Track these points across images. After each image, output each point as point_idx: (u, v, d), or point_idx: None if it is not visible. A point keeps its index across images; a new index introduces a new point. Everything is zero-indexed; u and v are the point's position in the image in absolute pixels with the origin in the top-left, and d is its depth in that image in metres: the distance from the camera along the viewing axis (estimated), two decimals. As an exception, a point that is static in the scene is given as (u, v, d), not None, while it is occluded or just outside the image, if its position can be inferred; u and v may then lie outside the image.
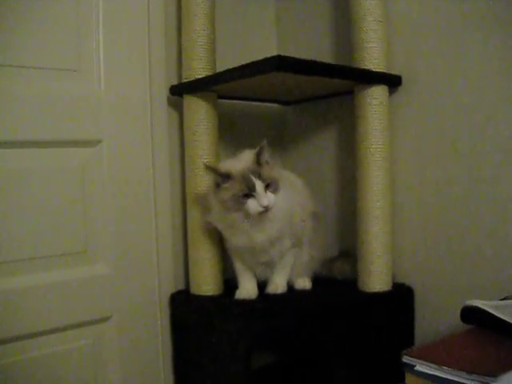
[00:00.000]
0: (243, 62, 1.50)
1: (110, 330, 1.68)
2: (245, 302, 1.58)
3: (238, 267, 1.63)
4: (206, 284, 1.69)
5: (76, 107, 1.59)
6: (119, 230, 1.68)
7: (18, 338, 1.50)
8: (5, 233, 1.47)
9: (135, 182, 1.72)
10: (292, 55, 1.48)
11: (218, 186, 1.48)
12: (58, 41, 1.56)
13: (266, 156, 1.48)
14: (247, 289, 1.62)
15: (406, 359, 1.17)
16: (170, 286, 1.79)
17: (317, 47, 1.99)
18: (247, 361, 1.50)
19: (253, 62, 1.46)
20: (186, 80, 1.70)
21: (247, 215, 1.44)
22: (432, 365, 1.11)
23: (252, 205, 1.43)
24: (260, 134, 1.98)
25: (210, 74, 1.67)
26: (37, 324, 1.53)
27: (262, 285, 1.65)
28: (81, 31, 1.60)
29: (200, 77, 1.66)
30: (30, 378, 1.52)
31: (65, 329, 1.58)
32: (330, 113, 1.99)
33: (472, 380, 1.03)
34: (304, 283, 1.70)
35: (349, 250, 1.84)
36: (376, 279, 1.65)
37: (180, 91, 1.73)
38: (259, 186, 1.42)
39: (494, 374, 1.01)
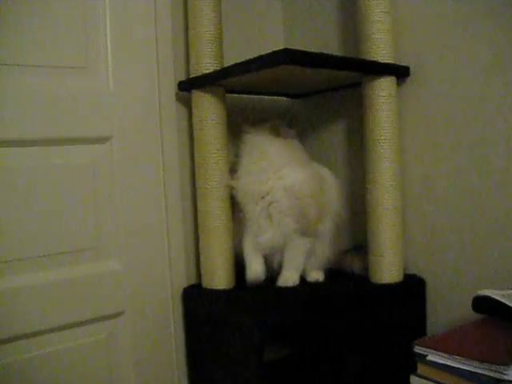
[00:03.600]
0: (250, 56, 1.49)
1: (123, 325, 1.69)
2: (257, 296, 1.58)
3: (246, 246, 1.64)
4: (218, 278, 1.69)
5: (85, 104, 1.59)
6: (130, 226, 1.69)
7: (31, 335, 1.51)
8: (16, 231, 1.49)
9: (145, 178, 1.73)
10: (299, 48, 1.48)
11: None
12: (66, 38, 1.56)
13: None
14: (254, 270, 1.63)
15: (417, 349, 1.17)
16: (182, 280, 1.80)
17: (324, 39, 1.98)
18: (260, 354, 1.50)
19: (260, 56, 1.46)
20: (193, 75, 1.70)
21: None
22: (444, 354, 1.12)
23: None
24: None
25: (217, 68, 1.67)
26: (50, 320, 1.54)
27: (274, 278, 1.66)
28: (88, 28, 1.60)
29: (208, 72, 1.66)
30: (43, 374, 1.53)
31: (78, 325, 1.59)
32: (338, 105, 1.99)
33: (484, 369, 1.04)
34: (317, 275, 1.71)
35: (361, 244, 1.84)
36: (387, 271, 1.65)
37: (188, 87, 1.73)
38: None
39: (507, 363, 1.01)
